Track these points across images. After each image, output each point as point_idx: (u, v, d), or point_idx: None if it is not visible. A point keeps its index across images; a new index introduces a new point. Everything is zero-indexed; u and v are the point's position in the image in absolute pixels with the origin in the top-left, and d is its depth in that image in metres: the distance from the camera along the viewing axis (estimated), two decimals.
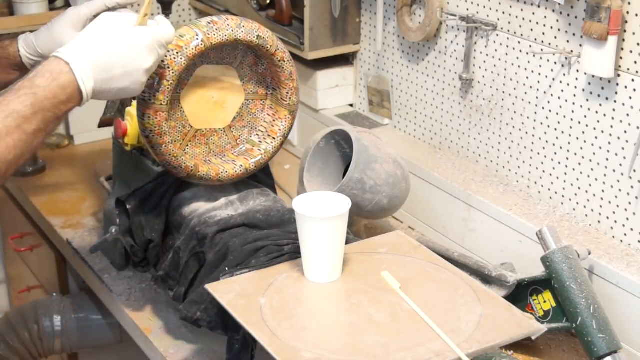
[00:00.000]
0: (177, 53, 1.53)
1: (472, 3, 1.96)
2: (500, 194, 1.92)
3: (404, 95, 2.21)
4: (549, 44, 1.80)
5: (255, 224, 1.65)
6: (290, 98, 1.70)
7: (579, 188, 1.80)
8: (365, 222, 2.00)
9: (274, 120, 1.73)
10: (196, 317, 1.56)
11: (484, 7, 1.93)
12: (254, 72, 1.71)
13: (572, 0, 1.72)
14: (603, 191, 1.75)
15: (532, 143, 1.89)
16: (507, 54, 1.90)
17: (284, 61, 1.66)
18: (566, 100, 1.79)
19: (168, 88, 1.54)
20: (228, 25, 1.58)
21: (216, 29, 1.56)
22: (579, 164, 1.79)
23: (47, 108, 1.32)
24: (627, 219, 1.71)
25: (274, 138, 1.73)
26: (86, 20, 1.58)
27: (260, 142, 1.73)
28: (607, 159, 1.73)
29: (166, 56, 1.52)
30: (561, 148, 1.82)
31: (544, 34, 1.81)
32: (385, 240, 1.65)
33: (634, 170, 1.68)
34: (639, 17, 1.62)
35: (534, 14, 1.82)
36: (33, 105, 1.31)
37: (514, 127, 1.92)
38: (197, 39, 1.55)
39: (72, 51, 1.36)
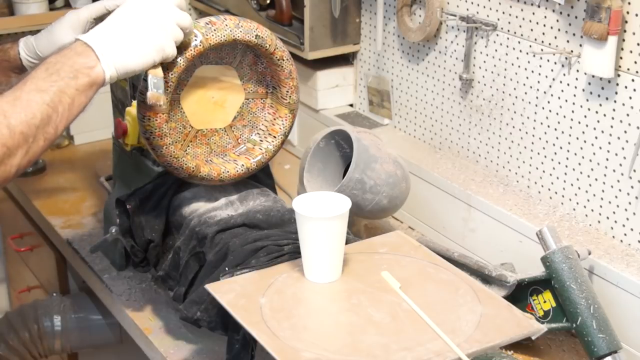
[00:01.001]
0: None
1: (472, 3, 1.96)
2: (500, 194, 1.92)
3: (404, 95, 2.21)
4: (549, 44, 1.80)
5: (255, 224, 1.65)
6: (290, 96, 1.70)
7: (579, 188, 1.80)
8: (365, 222, 2.00)
9: (274, 119, 1.73)
10: (196, 317, 1.56)
11: (484, 7, 1.93)
12: (254, 71, 1.71)
13: (572, 0, 1.72)
14: (603, 191, 1.75)
15: (532, 143, 1.89)
16: (507, 54, 1.90)
17: (284, 60, 1.66)
18: (566, 100, 1.79)
19: (167, 89, 1.54)
20: (226, 25, 1.58)
21: (214, 30, 1.56)
22: (579, 164, 1.79)
23: (61, 67, 1.34)
24: (627, 219, 1.71)
25: (274, 137, 1.73)
26: (86, 23, 1.59)
27: (261, 141, 1.73)
28: (607, 159, 1.73)
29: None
30: (561, 148, 1.82)
31: (544, 34, 1.81)
32: (385, 240, 1.65)
33: (634, 170, 1.68)
34: (639, 17, 1.62)
35: (534, 14, 1.82)
36: (47, 69, 1.33)
37: (514, 127, 1.92)
38: (196, 39, 1.54)
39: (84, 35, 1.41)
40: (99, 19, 1.57)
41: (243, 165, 1.70)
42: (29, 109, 1.30)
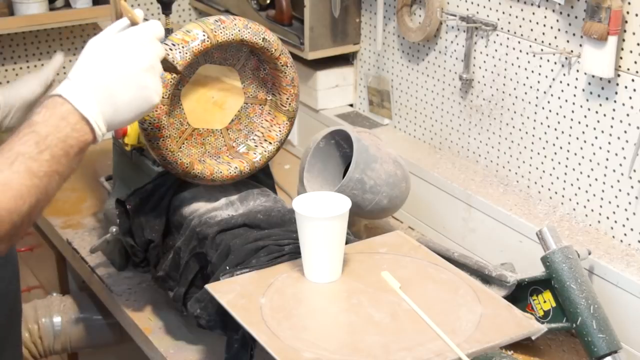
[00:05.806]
0: (183, 47, 1.54)
1: (472, 3, 1.96)
2: (500, 194, 1.92)
3: (404, 95, 2.21)
4: (549, 44, 1.80)
5: (256, 224, 1.65)
6: (290, 104, 1.70)
7: (579, 188, 1.80)
8: (365, 222, 2.00)
9: (271, 126, 1.73)
10: (196, 314, 1.56)
11: (484, 7, 1.93)
12: (256, 76, 1.71)
13: (572, 0, 1.72)
14: (603, 191, 1.75)
15: (532, 143, 1.89)
16: (507, 54, 1.90)
17: (287, 66, 1.66)
18: (566, 100, 1.79)
19: (170, 82, 1.55)
20: (235, 24, 1.59)
21: (223, 27, 1.57)
22: (579, 164, 1.79)
23: (53, 144, 1.20)
24: (627, 219, 1.71)
25: (270, 143, 1.73)
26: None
27: (257, 146, 1.73)
28: (607, 159, 1.73)
29: (171, 50, 1.53)
30: (561, 148, 1.82)
31: (544, 34, 1.81)
32: (385, 240, 1.65)
33: (634, 170, 1.68)
34: (639, 17, 1.62)
35: (534, 14, 1.82)
36: (37, 143, 1.19)
37: (514, 127, 1.92)
38: (204, 35, 1.55)
39: (61, 85, 1.26)
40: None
41: (237, 167, 1.70)
42: (20, 197, 1.17)
